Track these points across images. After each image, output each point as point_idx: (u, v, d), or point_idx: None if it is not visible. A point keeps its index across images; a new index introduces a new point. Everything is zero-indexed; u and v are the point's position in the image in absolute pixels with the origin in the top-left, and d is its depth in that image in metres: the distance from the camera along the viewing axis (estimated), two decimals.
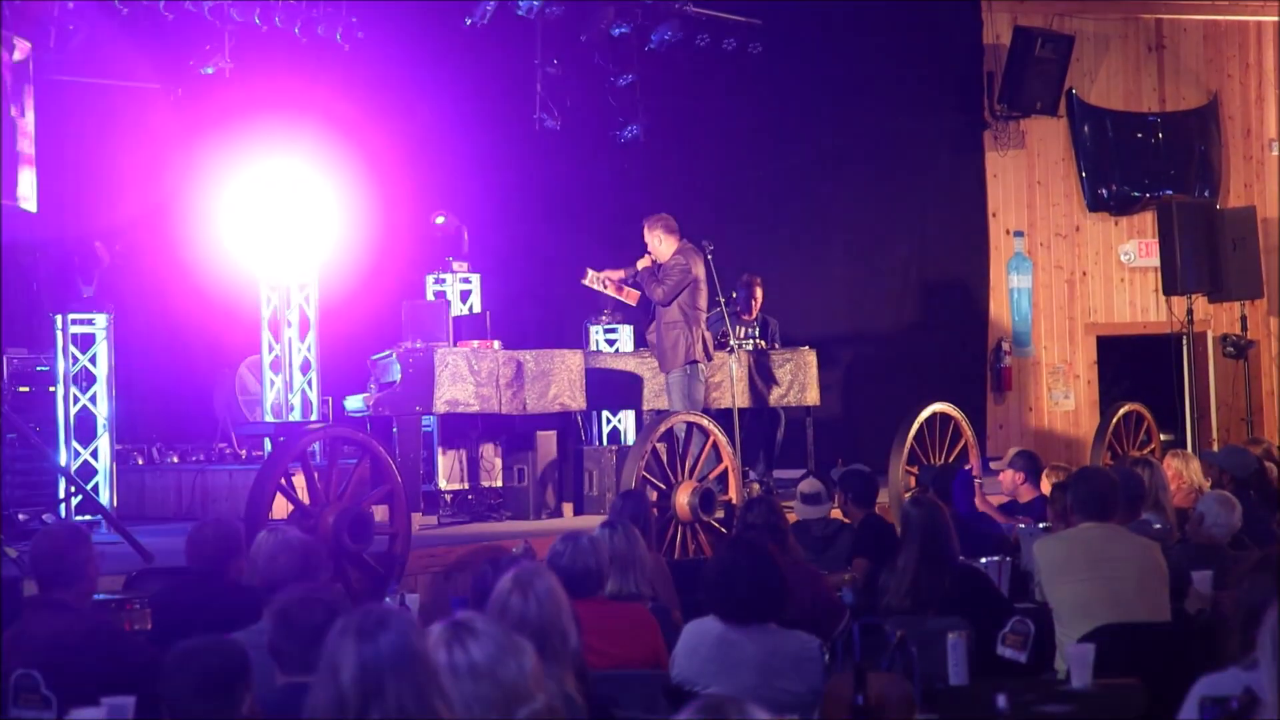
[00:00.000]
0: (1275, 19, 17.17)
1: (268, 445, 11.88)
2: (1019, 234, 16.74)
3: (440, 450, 11.46)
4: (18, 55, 9.70)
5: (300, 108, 14.17)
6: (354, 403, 11.04)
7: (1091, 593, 6.06)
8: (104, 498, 10.88)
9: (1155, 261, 15.76)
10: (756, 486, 11.72)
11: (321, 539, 7.57)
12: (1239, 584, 4.17)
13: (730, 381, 11.55)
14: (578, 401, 11.15)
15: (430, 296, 13.26)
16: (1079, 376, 16.78)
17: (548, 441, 11.25)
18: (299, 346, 12.41)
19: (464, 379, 10.53)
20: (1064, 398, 16.70)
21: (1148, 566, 6.20)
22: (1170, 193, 16.45)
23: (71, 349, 11.13)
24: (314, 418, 12.35)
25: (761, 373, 12.25)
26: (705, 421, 10.34)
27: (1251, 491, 9.08)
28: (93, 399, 11.17)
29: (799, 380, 12.45)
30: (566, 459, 11.44)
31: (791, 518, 8.92)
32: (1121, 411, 12.20)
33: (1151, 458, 10.10)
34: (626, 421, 12.83)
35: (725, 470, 10.30)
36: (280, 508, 8.32)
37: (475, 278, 13.57)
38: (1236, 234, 15.11)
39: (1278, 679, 3.46)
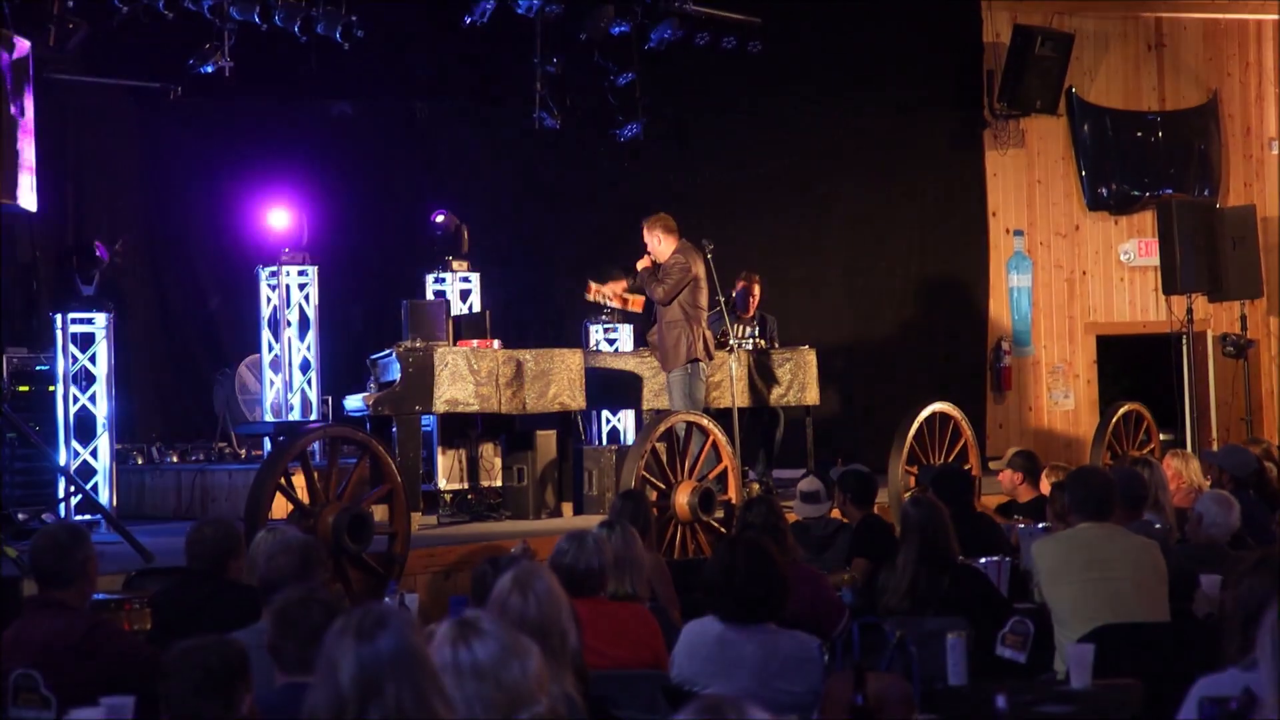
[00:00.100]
0: (1275, 17, 17.17)
1: (267, 445, 11.89)
2: (1019, 233, 16.74)
3: (440, 450, 11.46)
4: (17, 54, 9.69)
5: (299, 107, 14.23)
6: (353, 402, 11.04)
7: (1090, 593, 6.06)
8: (103, 497, 10.89)
9: (1155, 261, 15.75)
10: (756, 486, 11.73)
11: (321, 539, 7.57)
12: (1238, 584, 4.15)
13: (730, 381, 11.55)
14: (577, 401, 11.15)
15: (430, 296, 13.26)
16: (1079, 376, 16.78)
17: (547, 441, 11.25)
18: (298, 346, 12.42)
19: (463, 378, 10.53)
20: (1064, 397, 16.70)
21: (1146, 566, 6.19)
22: (1170, 192, 16.45)
23: (71, 348, 11.13)
24: (313, 417, 12.36)
25: (761, 372, 12.25)
26: (705, 421, 10.34)
27: (1251, 491, 9.08)
28: (92, 398, 11.18)
29: (798, 380, 12.45)
30: (566, 459, 11.44)
31: (791, 517, 8.92)
32: (1121, 411, 12.20)
33: (1151, 457, 10.11)
34: (626, 421, 12.84)
35: (725, 470, 10.30)
36: (280, 507, 8.33)
37: (475, 277, 13.58)
38: (1236, 233, 15.10)
39: (1277, 679, 3.46)
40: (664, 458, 9.94)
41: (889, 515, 9.96)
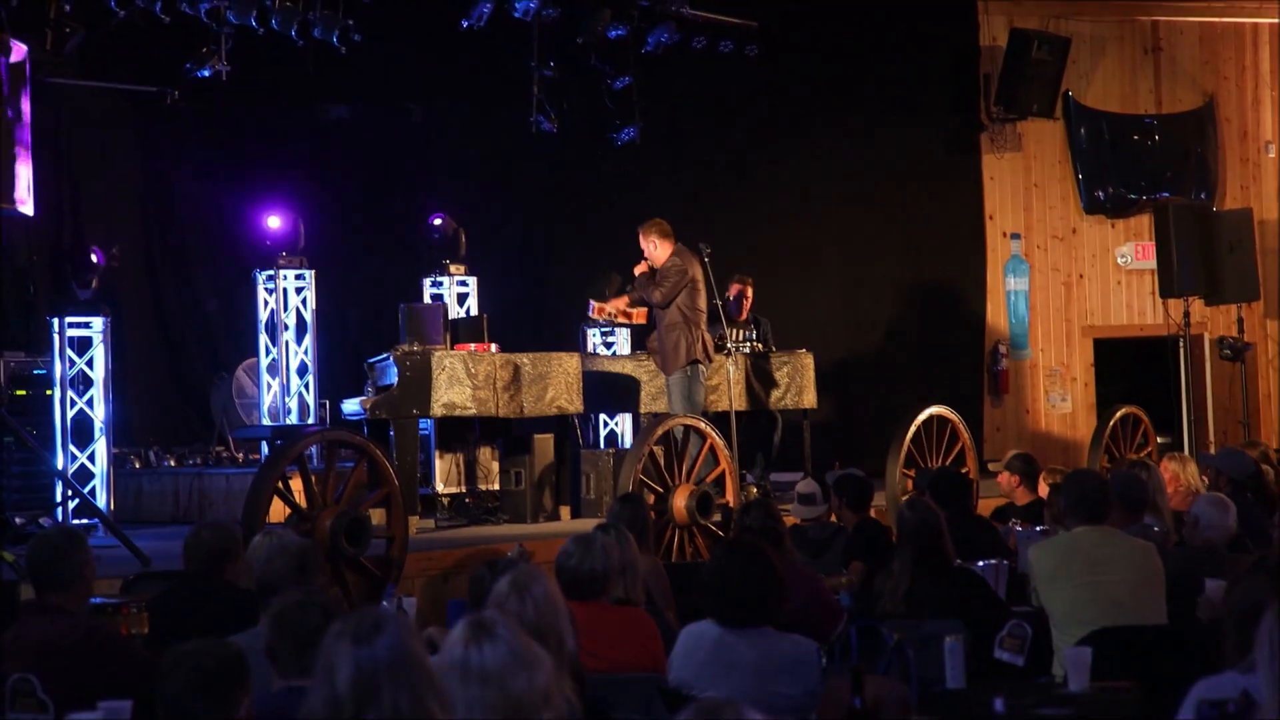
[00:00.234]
0: (1271, 21, 17.18)
1: (265, 448, 11.88)
2: (1016, 236, 16.75)
3: (437, 453, 11.46)
4: (14, 58, 9.68)
5: (296, 111, 14.23)
6: (351, 406, 11.04)
7: (1087, 596, 6.06)
8: (101, 501, 10.87)
9: (1152, 264, 15.76)
10: (754, 489, 11.73)
11: (318, 542, 7.57)
12: (1235, 587, 4.16)
13: (728, 384, 11.55)
14: (575, 404, 11.15)
15: (427, 299, 13.26)
16: (1076, 379, 16.79)
17: (545, 445, 11.25)
18: (296, 349, 12.43)
19: (461, 382, 10.53)
20: (1061, 400, 16.70)
21: (1143, 569, 6.19)
22: (1167, 195, 16.46)
23: (68, 352, 11.12)
24: (311, 421, 12.37)
25: (759, 376, 12.25)
26: (703, 424, 10.35)
27: (1249, 494, 9.08)
28: (89, 402, 11.17)
29: (796, 383, 12.45)
30: (564, 462, 11.44)
31: (790, 520, 8.93)
32: (1119, 414, 12.21)
33: (1148, 460, 10.12)
34: (624, 425, 12.84)
35: (722, 473, 10.30)
36: (277, 511, 8.33)
37: (472, 281, 13.59)
38: (1233, 236, 15.10)
39: (1274, 682, 3.46)
40: (662, 461, 9.94)
41: (887, 519, 9.95)
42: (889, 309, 16.48)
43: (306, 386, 12.54)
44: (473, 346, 10.93)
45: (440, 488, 11.44)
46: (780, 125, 15.83)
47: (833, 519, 9.12)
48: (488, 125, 14.59)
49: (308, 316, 12.52)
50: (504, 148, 14.67)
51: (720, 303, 11.68)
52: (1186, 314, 14.97)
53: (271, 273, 12.46)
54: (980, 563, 7.33)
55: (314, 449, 9.76)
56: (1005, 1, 16.66)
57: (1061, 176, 16.86)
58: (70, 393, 11.11)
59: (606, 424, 13.01)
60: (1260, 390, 16.98)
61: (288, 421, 12.30)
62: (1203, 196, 16.70)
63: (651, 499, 9.52)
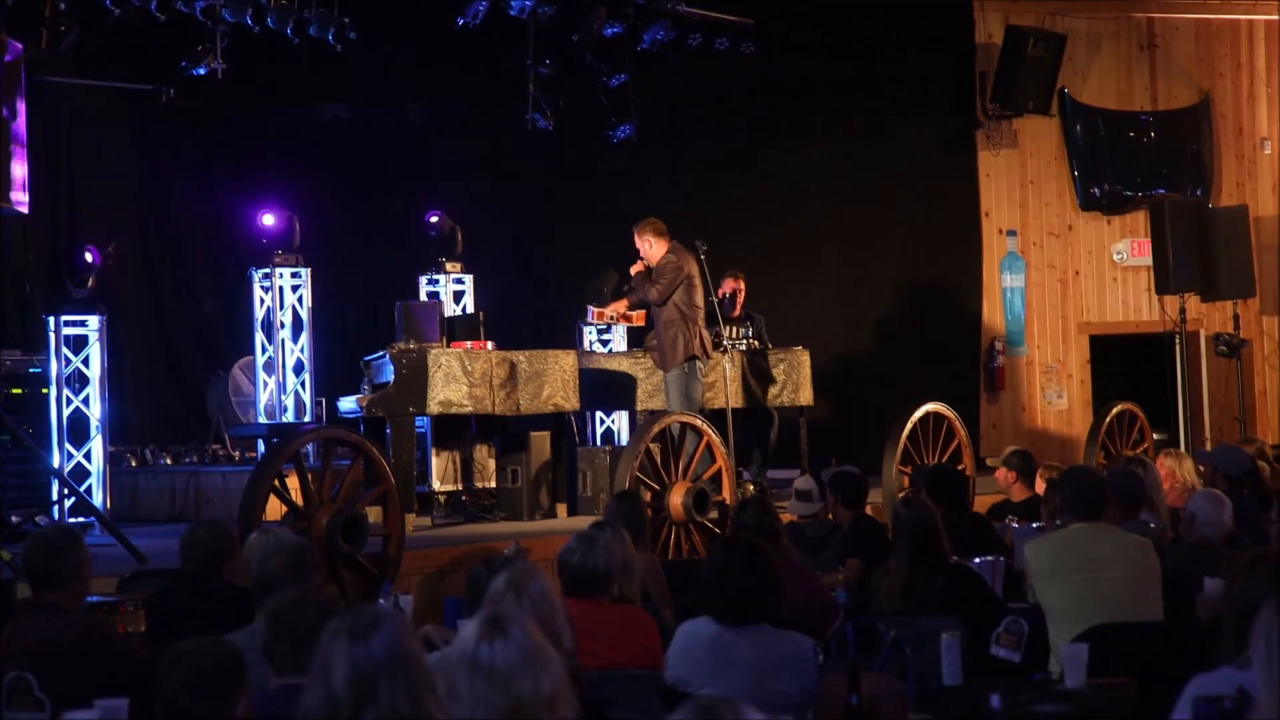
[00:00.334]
0: (1266, 18, 17.19)
1: (261, 446, 11.89)
2: (1012, 233, 16.75)
3: (434, 451, 11.47)
4: (9, 57, 9.68)
5: (291, 109, 14.22)
6: (347, 404, 11.04)
7: (1083, 593, 6.06)
8: (97, 500, 10.87)
9: (1148, 260, 15.77)
10: (750, 487, 11.74)
11: (315, 540, 7.57)
12: (1232, 583, 4.16)
13: (724, 382, 11.56)
14: (571, 402, 11.15)
15: (423, 297, 13.27)
16: (1072, 376, 16.80)
17: (541, 442, 11.25)
18: (292, 348, 12.43)
19: (457, 380, 10.52)
20: (1057, 397, 16.71)
21: (1140, 565, 6.19)
22: (1162, 192, 16.47)
23: (64, 350, 11.12)
24: (307, 419, 12.36)
25: (755, 373, 12.25)
26: (699, 422, 10.35)
27: (1245, 490, 9.09)
28: (85, 401, 11.17)
29: (792, 380, 12.45)
30: (560, 460, 11.44)
31: (787, 517, 8.93)
32: (1115, 411, 12.21)
33: (1145, 457, 10.13)
34: (620, 422, 12.84)
35: (719, 470, 10.30)
36: (274, 509, 8.33)
37: (468, 278, 13.60)
38: (1229, 233, 15.12)
39: (1270, 678, 3.46)
40: (658, 458, 9.94)
41: (884, 516, 9.96)
42: (885, 306, 16.49)
43: (303, 384, 12.55)
44: (469, 344, 10.93)
45: (437, 485, 11.44)
46: (776, 123, 15.83)
47: (830, 516, 9.12)
48: (484, 123, 14.59)
49: (304, 314, 12.53)
50: (500, 145, 14.67)
51: (715, 300, 11.68)
52: (1182, 310, 14.98)
53: (268, 271, 12.46)
54: (977, 559, 7.34)
55: (310, 447, 9.75)
56: None
57: (1057, 173, 16.87)
58: (66, 391, 11.10)
59: (603, 421, 13.02)
60: (1256, 386, 16.99)
61: (284, 419, 12.30)
62: (1198, 193, 16.70)
63: (648, 496, 9.52)
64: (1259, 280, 15.95)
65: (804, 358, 12.56)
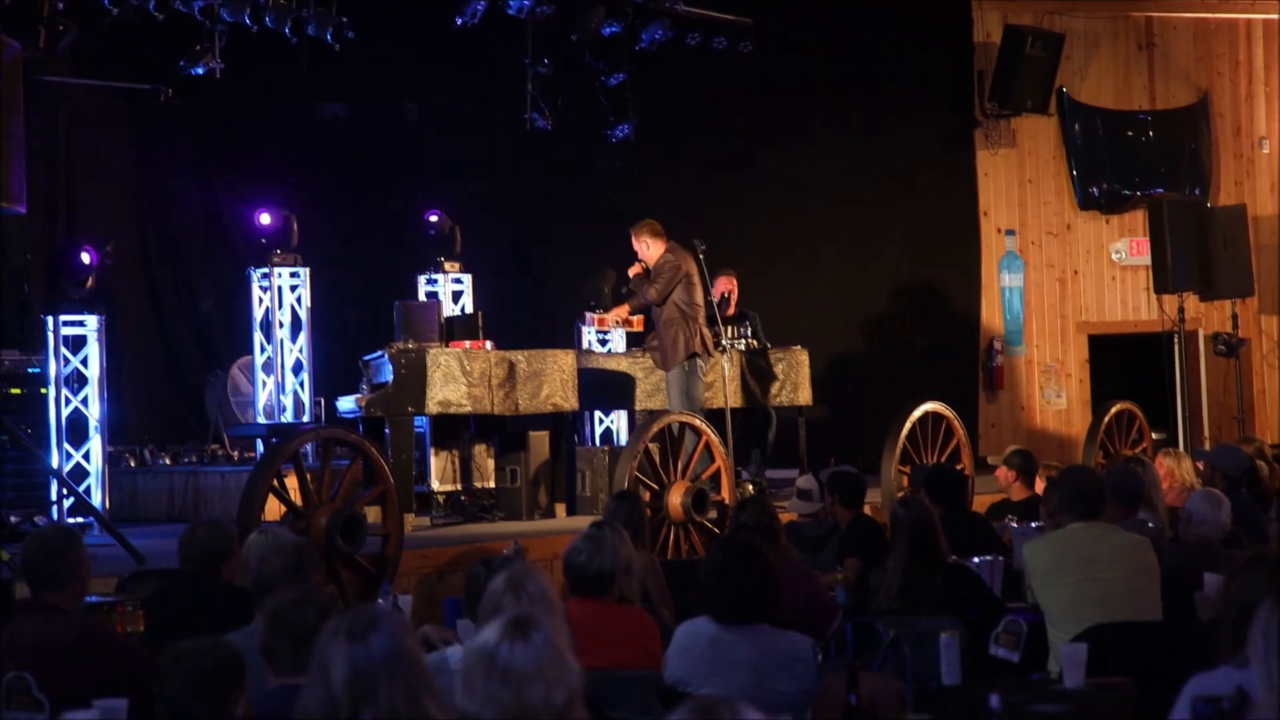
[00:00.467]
0: (1264, 17, 17.19)
1: (260, 446, 11.89)
2: (1010, 233, 16.75)
3: (433, 451, 11.46)
4: (7, 56, 9.67)
5: (290, 109, 14.22)
6: (346, 403, 11.03)
7: (1082, 594, 6.06)
8: (96, 500, 10.87)
9: (1146, 260, 15.77)
10: (749, 486, 11.74)
11: (314, 540, 7.57)
12: (1230, 582, 4.16)
13: (723, 381, 11.56)
14: (570, 402, 11.15)
15: (422, 297, 13.26)
16: (1071, 375, 16.80)
17: (540, 442, 11.25)
18: (291, 347, 12.42)
19: (456, 379, 10.52)
20: (1056, 396, 16.72)
21: (1138, 565, 6.19)
22: (1161, 191, 16.47)
23: (63, 350, 11.12)
24: (306, 419, 12.36)
25: (754, 372, 12.25)
26: (698, 421, 10.35)
27: (1244, 490, 9.09)
28: (84, 401, 11.17)
29: (791, 380, 12.46)
30: (559, 459, 11.44)
31: (788, 516, 8.94)
32: (1113, 410, 12.21)
33: (1143, 456, 10.13)
34: (619, 422, 12.84)
35: (718, 470, 10.31)
36: (273, 509, 8.32)
37: (467, 278, 13.60)
38: (1227, 232, 15.11)
39: (1269, 678, 3.46)
40: (657, 458, 9.94)
41: (882, 515, 9.96)
42: (884, 305, 16.49)
43: (301, 384, 12.54)
44: (468, 344, 10.93)
45: (436, 485, 11.44)
46: (775, 122, 15.83)
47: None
48: (482, 122, 14.59)
49: (302, 314, 12.52)
50: (498, 145, 14.67)
51: (713, 301, 11.70)
52: (1181, 310, 14.98)
53: (266, 270, 12.45)
54: (975, 559, 7.34)
55: (309, 447, 9.76)
56: None
57: (1056, 172, 16.87)
58: (65, 391, 11.11)
59: (602, 421, 13.02)
60: (1255, 386, 17.00)
61: (283, 419, 12.30)
62: (1197, 192, 16.71)
63: (647, 496, 9.52)
64: (1257, 279, 15.95)
65: (803, 357, 12.57)
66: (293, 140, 14.46)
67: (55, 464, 10.77)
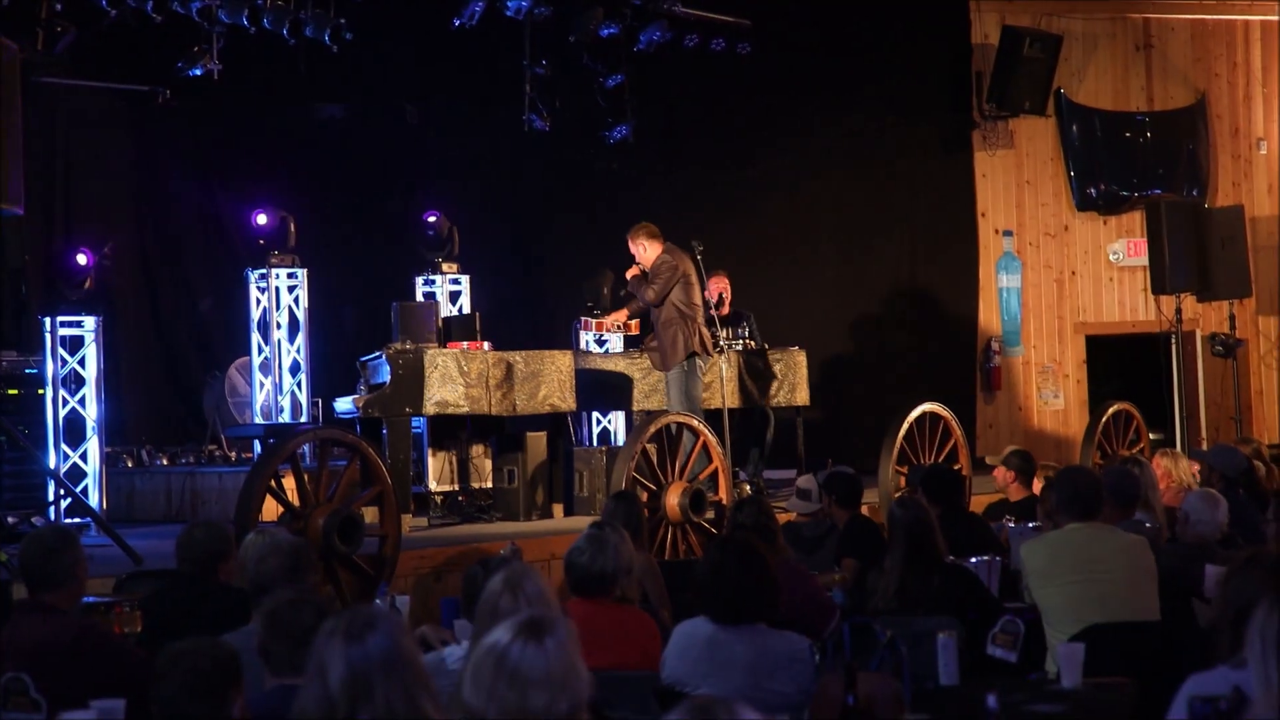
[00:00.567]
0: (1262, 18, 17.20)
1: (257, 447, 11.89)
2: (1008, 234, 16.76)
3: (430, 452, 11.46)
4: (5, 58, 9.67)
5: (288, 110, 14.22)
6: (343, 404, 11.03)
7: (1080, 594, 6.06)
8: (93, 500, 10.88)
9: (1144, 261, 15.78)
10: (747, 487, 11.74)
11: (311, 541, 7.57)
12: (1229, 582, 4.16)
13: (720, 382, 11.56)
14: (568, 402, 11.15)
15: (419, 298, 13.26)
16: (1068, 376, 16.80)
17: (538, 442, 11.24)
18: (288, 348, 12.42)
19: (454, 380, 10.52)
20: (1053, 397, 16.72)
21: (1136, 565, 6.20)
22: (1159, 192, 16.48)
23: (60, 351, 11.12)
24: (303, 419, 12.36)
25: (751, 373, 12.26)
26: (695, 421, 10.35)
27: (1241, 490, 9.10)
28: (81, 401, 11.17)
29: (789, 380, 12.46)
30: (556, 460, 11.44)
31: (786, 516, 8.94)
32: (1111, 411, 12.22)
33: (1141, 457, 10.14)
34: (616, 422, 12.83)
35: (715, 470, 10.31)
36: (270, 510, 8.32)
37: (465, 279, 13.60)
38: (1225, 233, 15.12)
39: (1266, 678, 3.46)
40: (655, 459, 9.95)
41: (880, 515, 9.97)
42: (882, 306, 16.49)
43: (299, 385, 12.54)
44: (465, 344, 10.93)
45: (433, 486, 11.44)
46: (772, 123, 15.83)
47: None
48: (480, 123, 14.60)
49: (300, 315, 12.52)
50: (496, 146, 14.67)
51: (712, 302, 11.70)
52: (1178, 310, 14.99)
53: (264, 271, 12.45)
54: (973, 559, 7.34)
55: (307, 447, 9.76)
56: None
57: (1053, 173, 16.87)
58: (62, 392, 11.11)
59: (599, 422, 13.01)
60: (1252, 386, 17.00)
61: (280, 420, 12.29)
62: (1194, 193, 16.71)
63: (645, 496, 9.52)
64: (1255, 280, 15.96)
65: (800, 358, 12.57)
66: (291, 141, 14.46)
67: (53, 464, 10.78)
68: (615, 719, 4.94)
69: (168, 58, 12.20)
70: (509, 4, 12.99)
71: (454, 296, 13.53)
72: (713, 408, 11.56)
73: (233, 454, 13.21)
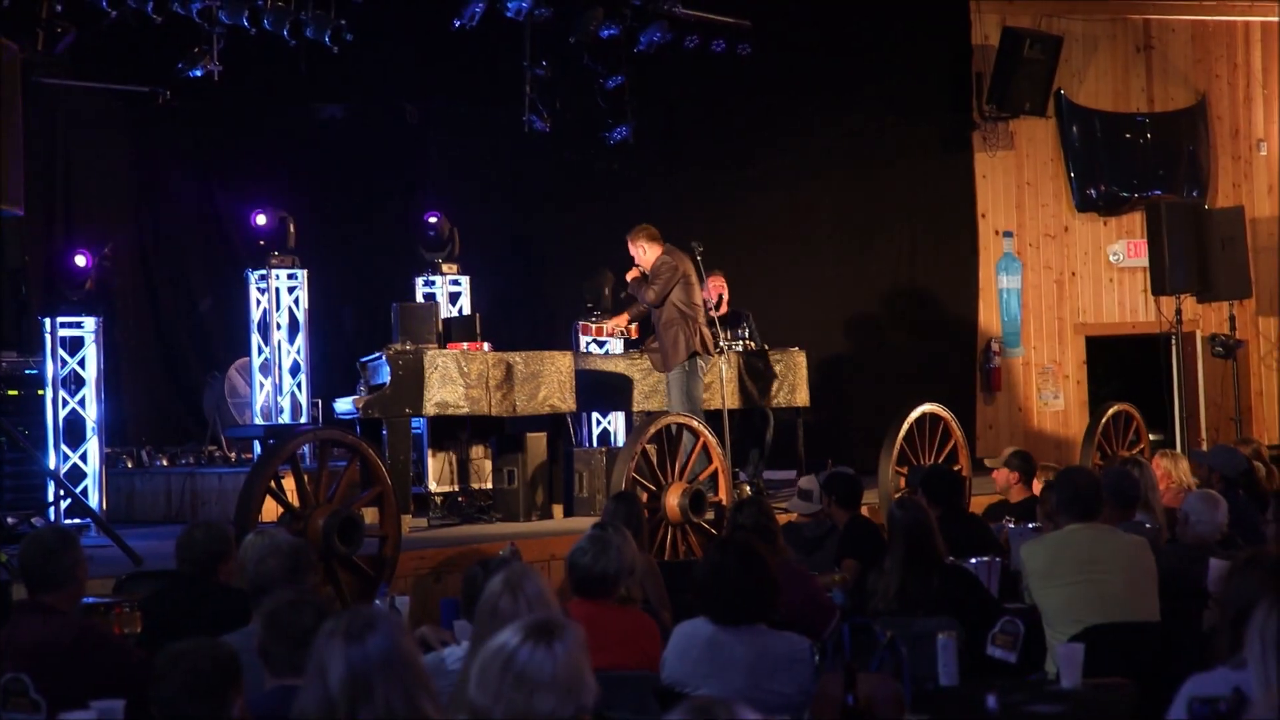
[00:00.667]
0: (1263, 19, 17.20)
1: (257, 448, 11.88)
2: (1008, 234, 16.75)
3: (430, 452, 11.45)
4: (5, 58, 9.67)
5: (288, 110, 14.23)
6: (343, 405, 11.04)
7: (1080, 595, 6.06)
8: (93, 501, 10.88)
9: (1144, 262, 15.78)
10: (747, 488, 11.74)
11: (311, 541, 7.57)
12: (1227, 583, 4.17)
13: (720, 383, 11.56)
14: (568, 403, 11.15)
15: (419, 298, 13.26)
16: (1068, 377, 16.80)
17: (537, 443, 11.25)
18: (288, 349, 12.42)
19: (454, 381, 10.52)
20: (1053, 398, 16.72)
21: (1136, 566, 6.20)
22: (1159, 193, 16.47)
23: (60, 352, 11.12)
24: (303, 420, 12.36)
25: (751, 374, 12.26)
26: (695, 422, 10.35)
27: (1241, 491, 9.10)
28: (81, 402, 11.17)
29: (789, 381, 12.46)
30: (556, 461, 11.44)
31: (784, 517, 8.94)
32: (1111, 411, 12.22)
33: (1141, 458, 10.14)
34: (616, 423, 12.83)
35: (715, 471, 10.31)
36: (270, 510, 8.32)
37: (465, 280, 13.60)
38: (1225, 234, 15.12)
39: (1266, 678, 3.46)
40: (654, 459, 9.95)
41: (880, 516, 9.97)
42: (882, 307, 16.48)
43: (299, 386, 12.54)
44: (465, 345, 10.93)
45: (433, 486, 11.44)
46: (773, 124, 15.83)
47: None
48: (480, 124, 14.60)
49: (300, 316, 12.51)
50: (497, 147, 14.67)
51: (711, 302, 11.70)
52: (1179, 311, 14.99)
53: (264, 272, 12.44)
54: (972, 560, 7.34)
55: (307, 448, 9.76)
56: (997, 0, 16.67)
57: (1054, 174, 16.87)
58: (62, 392, 11.11)
59: (599, 422, 13.01)
60: (1252, 387, 17.00)
61: (280, 421, 12.29)
62: (1195, 194, 16.71)
63: (644, 497, 9.52)
64: (1255, 281, 15.96)
65: (800, 359, 12.57)
66: (291, 142, 14.47)
67: (52, 465, 10.78)
68: None
69: (168, 58, 12.20)
70: (509, 5, 12.99)
71: (454, 297, 13.53)
72: (712, 408, 11.56)
73: (233, 455, 13.21)
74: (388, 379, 10.48)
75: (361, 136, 14.70)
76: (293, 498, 8.13)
